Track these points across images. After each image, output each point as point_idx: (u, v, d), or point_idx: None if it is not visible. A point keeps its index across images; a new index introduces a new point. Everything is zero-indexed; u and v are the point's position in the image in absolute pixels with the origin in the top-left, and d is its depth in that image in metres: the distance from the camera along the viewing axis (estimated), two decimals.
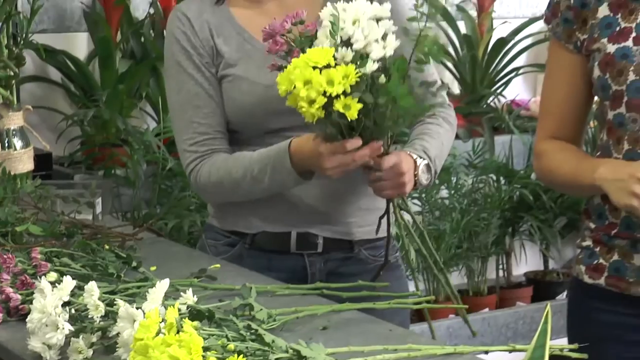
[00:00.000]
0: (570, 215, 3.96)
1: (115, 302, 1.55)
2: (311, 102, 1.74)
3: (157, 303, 1.49)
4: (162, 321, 1.37)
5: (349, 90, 1.74)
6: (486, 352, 1.58)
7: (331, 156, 1.86)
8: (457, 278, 3.89)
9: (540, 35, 4.24)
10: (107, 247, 1.93)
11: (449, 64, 4.13)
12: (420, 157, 1.99)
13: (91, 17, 3.55)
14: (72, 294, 1.56)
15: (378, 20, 1.81)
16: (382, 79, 1.77)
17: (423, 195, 3.71)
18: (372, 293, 1.86)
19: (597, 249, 1.88)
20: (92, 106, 3.39)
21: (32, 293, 1.62)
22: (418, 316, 3.20)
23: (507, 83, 4.18)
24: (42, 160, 2.85)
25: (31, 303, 1.57)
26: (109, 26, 3.48)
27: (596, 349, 1.60)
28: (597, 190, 1.81)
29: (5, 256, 1.80)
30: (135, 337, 1.36)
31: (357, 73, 1.74)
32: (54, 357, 1.53)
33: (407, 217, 2.04)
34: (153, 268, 1.86)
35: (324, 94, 1.74)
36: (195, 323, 1.40)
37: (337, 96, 1.74)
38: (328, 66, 1.75)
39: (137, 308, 1.46)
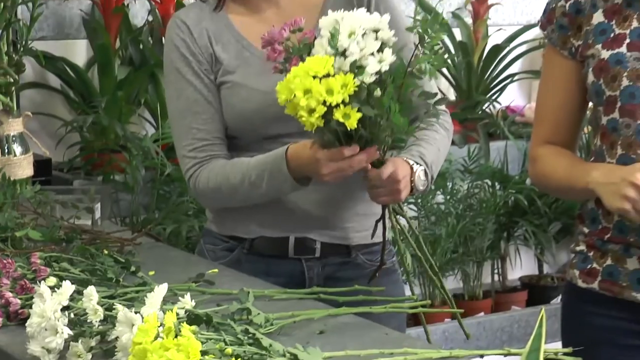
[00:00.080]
0: (565, 220, 3.96)
1: (114, 307, 1.54)
2: (311, 111, 1.74)
3: (156, 307, 1.49)
4: (161, 325, 1.37)
5: (347, 99, 1.74)
6: (482, 356, 1.58)
7: (329, 162, 1.86)
8: (452, 282, 3.89)
9: (534, 43, 4.25)
10: (106, 252, 1.93)
11: (445, 71, 4.14)
12: (417, 163, 1.99)
13: (90, 25, 3.55)
14: (71, 299, 1.56)
15: (376, 31, 1.81)
16: (378, 92, 1.77)
17: (419, 200, 3.72)
18: (369, 297, 1.86)
19: (591, 254, 1.88)
20: (91, 112, 3.39)
21: (32, 297, 1.62)
22: (414, 320, 3.19)
23: (502, 89, 4.19)
24: (42, 166, 2.85)
25: (31, 307, 1.57)
26: (108, 33, 3.48)
27: (590, 353, 1.60)
28: (590, 194, 1.81)
29: (5, 261, 1.80)
30: (134, 341, 1.36)
31: (354, 83, 1.74)
32: None
33: (403, 221, 2.04)
34: (151, 273, 1.86)
35: (324, 103, 1.74)
36: (193, 327, 1.40)
37: (337, 105, 1.74)
38: (327, 75, 1.75)
39: (135, 312, 1.46)
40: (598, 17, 1.83)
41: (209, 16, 2.12)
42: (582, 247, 1.90)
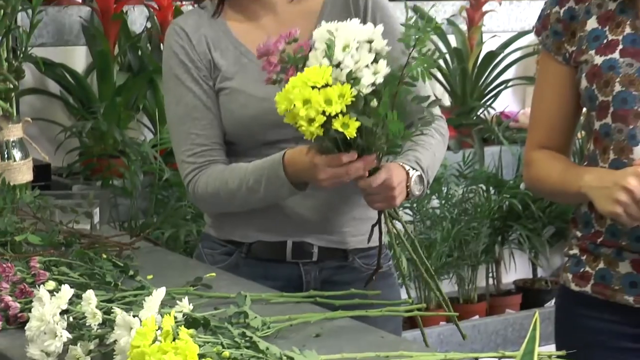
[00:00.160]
0: (558, 225, 3.97)
1: (112, 310, 1.54)
2: (310, 120, 1.74)
3: (154, 311, 1.49)
4: (159, 329, 1.36)
5: (345, 109, 1.74)
6: (476, 359, 1.58)
7: (326, 168, 1.86)
8: (447, 286, 3.89)
9: (528, 49, 4.26)
10: (104, 256, 1.92)
11: (440, 77, 4.14)
12: (413, 168, 1.99)
13: (89, 31, 3.55)
14: (70, 302, 1.56)
15: (370, 42, 1.81)
16: (374, 103, 1.77)
17: (414, 204, 3.72)
18: (365, 301, 1.86)
19: (584, 257, 1.88)
20: (90, 118, 3.39)
21: (31, 301, 1.62)
22: (410, 323, 3.19)
23: (496, 95, 4.19)
24: (41, 171, 2.84)
25: (30, 311, 1.56)
26: (107, 40, 3.48)
27: (583, 355, 1.60)
28: (583, 198, 1.81)
29: (4, 265, 1.80)
30: (132, 344, 1.36)
31: (352, 93, 1.74)
32: None
33: (399, 225, 2.04)
34: (150, 277, 1.86)
35: (323, 113, 1.74)
36: (191, 331, 1.39)
37: (336, 115, 1.74)
38: (325, 85, 1.75)
39: (134, 316, 1.46)
40: (592, 24, 1.83)
41: (208, 23, 2.12)
42: (575, 251, 1.90)
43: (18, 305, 1.70)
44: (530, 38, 4.20)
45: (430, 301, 3.58)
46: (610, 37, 1.81)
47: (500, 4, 4.31)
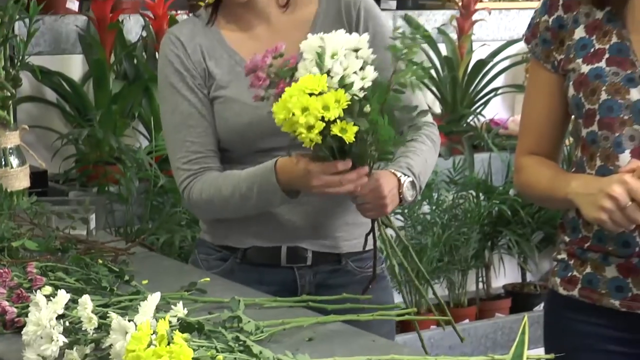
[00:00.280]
0: (547, 230, 3.97)
1: (108, 315, 1.54)
2: (309, 127, 1.74)
3: (149, 315, 1.48)
4: (154, 333, 1.36)
5: (342, 114, 1.75)
6: None
7: (320, 175, 1.86)
8: (438, 290, 3.88)
9: (517, 57, 4.27)
10: (100, 261, 1.92)
11: (431, 85, 4.15)
12: (405, 175, 1.99)
13: (86, 40, 3.55)
14: (67, 307, 1.55)
15: (356, 50, 1.81)
16: (367, 108, 1.78)
17: (405, 210, 3.72)
18: (357, 305, 1.86)
19: (572, 262, 1.88)
20: (86, 125, 3.39)
21: (28, 306, 1.61)
22: (401, 327, 3.20)
23: (486, 103, 4.19)
24: (38, 178, 2.84)
25: (27, 316, 1.56)
26: (103, 49, 3.48)
27: (571, 358, 1.60)
28: (570, 204, 1.81)
29: (1, 270, 1.80)
30: (128, 348, 1.36)
31: (346, 97, 1.75)
32: None
33: (392, 232, 2.04)
34: (145, 282, 1.86)
35: (322, 119, 1.74)
36: (186, 335, 1.39)
37: (334, 120, 1.74)
38: (321, 93, 1.75)
39: (129, 320, 1.46)
40: (579, 33, 1.83)
41: (202, 32, 2.12)
42: (563, 256, 1.90)
43: (15, 310, 1.70)
44: (519, 46, 4.21)
45: (420, 305, 3.58)
46: (597, 46, 1.81)
47: (489, 13, 4.32)
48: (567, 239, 1.89)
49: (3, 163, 2.54)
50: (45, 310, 1.52)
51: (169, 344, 1.34)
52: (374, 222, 1.99)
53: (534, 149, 1.93)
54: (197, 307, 1.75)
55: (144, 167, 3.30)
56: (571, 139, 1.94)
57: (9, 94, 2.60)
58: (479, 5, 4.24)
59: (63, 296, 1.55)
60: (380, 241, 2.02)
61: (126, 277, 1.86)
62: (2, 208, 2.21)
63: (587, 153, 1.83)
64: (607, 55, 1.80)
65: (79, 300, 1.55)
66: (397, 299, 2.15)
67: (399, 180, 1.98)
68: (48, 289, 1.67)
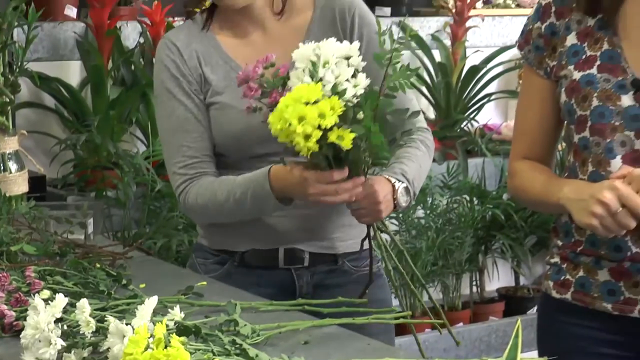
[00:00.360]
0: (540, 234, 3.97)
1: (105, 319, 1.54)
2: (307, 136, 1.74)
3: (146, 319, 1.48)
4: (151, 336, 1.36)
5: (337, 121, 1.75)
6: None
7: (316, 183, 1.86)
8: (432, 294, 3.87)
9: (510, 63, 4.27)
10: (98, 265, 1.92)
11: (425, 90, 4.15)
12: (399, 181, 2.00)
13: (84, 47, 3.55)
14: (65, 311, 1.55)
15: (348, 58, 1.82)
16: (361, 115, 1.78)
17: (400, 215, 3.72)
18: (352, 309, 1.86)
19: (564, 266, 1.88)
20: (84, 131, 3.39)
21: (26, 310, 1.61)
22: (397, 330, 3.19)
23: (479, 108, 4.20)
24: (37, 183, 2.84)
25: (25, 319, 1.56)
26: (101, 55, 3.48)
27: None
28: (562, 209, 1.82)
29: (0, 274, 1.79)
30: (125, 352, 1.35)
31: (340, 104, 1.75)
32: None
33: (386, 236, 2.05)
34: (142, 285, 1.86)
35: (318, 127, 1.74)
36: (183, 338, 1.39)
37: (331, 128, 1.74)
38: (316, 101, 1.75)
39: (126, 324, 1.46)
40: (571, 39, 1.84)
41: (198, 37, 2.12)
42: (556, 259, 1.90)
43: (13, 313, 1.69)
44: (512, 53, 4.21)
45: (415, 309, 3.58)
46: (588, 53, 1.82)
47: (483, 20, 4.33)
48: (560, 243, 1.89)
49: (2, 168, 2.54)
50: (43, 314, 1.52)
51: (166, 347, 1.34)
52: (370, 228, 1.99)
53: (527, 154, 1.93)
54: (193, 310, 1.75)
55: (141, 172, 3.30)
56: (564, 144, 1.94)
57: (7, 99, 2.60)
58: (472, 12, 4.24)
59: (61, 300, 1.55)
60: (376, 246, 2.03)
61: (124, 281, 1.86)
62: (0, 212, 2.21)
63: (580, 158, 1.83)
64: (598, 62, 1.80)
65: (77, 304, 1.55)
66: (393, 302, 2.15)
67: (393, 186, 1.98)
68: (46, 293, 1.67)
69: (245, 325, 1.58)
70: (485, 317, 4.00)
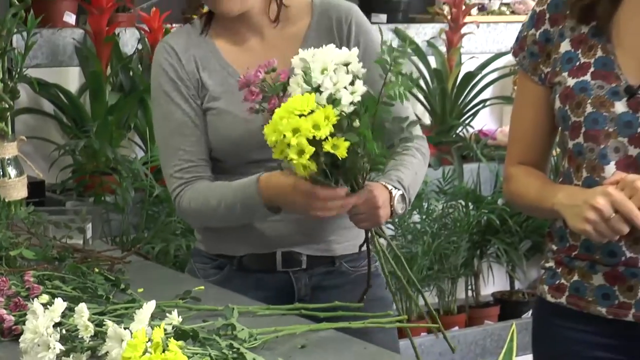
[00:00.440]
0: (535, 239, 3.98)
1: (104, 323, 1.54)
2: (300, 152, 1.74)
3: (144, 323, 1.48)
4: (149, 341, 1.36)
5: (332, 130, 1.75)
6: None
7: (322, 200, 1.86)
8: (428, 298, 3.88)
9: (505, 70, 4.28)
10: (96, 270, 1.92)
11: (420, 96, 4.16)
12: (396, 188, 2.00)
13: (82, 53, 3.55)
14: (63, 315, 1.55)
15: (346, 64, 1.81)
16: (357, 123, 1.78)
17: (396, 220, 3.72)
18: (351, 313, 1.85)
19: (559, 270, 1.88)
20: (83, 136, 3.39)
21: (25, 314, 1.61)
22: None
23: (474, 114, 4.21)
24: (36, 188, 2.84)
25: (24, 324, 1.56)
26: (100, 61, 3.48)
27: None
28: (557, 215, 1.82)
29: None
30: (123, 356, 1.35)
31: (334, 113, 1.75)
32: None
33: (383, 241, 2.05)
34: (140, 290, 1.86)
35: (313, 138, 1.73)
36: (180, 342, 1.39)
37: (325, 138, 1.74)
38: (311, 112, 1.75)
39: (125, 328, 1.46)
40: (565, 46, 1.84)
41: (197, 42, 2.12)
42: (551, 264, 1.90)
43: (12, 318, 1.69)
44: (507, 59, 4.22)
45: (411, 313, 3.58)
46: (582, 60, 1.82)
47: (478, 26, 4.34)
48: (554, 247, 1.89)
49: (1, 173, 2.54)
50: (42, 318, 1.52)
51: (164, 351, 1.34)
52: (368, 233, 1.99)
53: (522, 159, 1.93)
54: (191, 315, 1.75)
55: (139, 177, 3.30)
56: (558, 149, 1.94)
57: (7, 105, 2.60)
58: (467, 19, 4.25)
59: (60, 304, 1.55)
60: (374, 251, 2.03)
61: (122, 286, 1.86)
62: (0, 217, 2.21)
63: (574, 164, 1.84)
64: (592, 69, 1.81)
65: (76, 308, 1.55)
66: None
67: (390, 192, 1.99)
68: (45, 298, 1.67)
69: (242, 329, 1.58)
70: (481, 321, 4.00)
